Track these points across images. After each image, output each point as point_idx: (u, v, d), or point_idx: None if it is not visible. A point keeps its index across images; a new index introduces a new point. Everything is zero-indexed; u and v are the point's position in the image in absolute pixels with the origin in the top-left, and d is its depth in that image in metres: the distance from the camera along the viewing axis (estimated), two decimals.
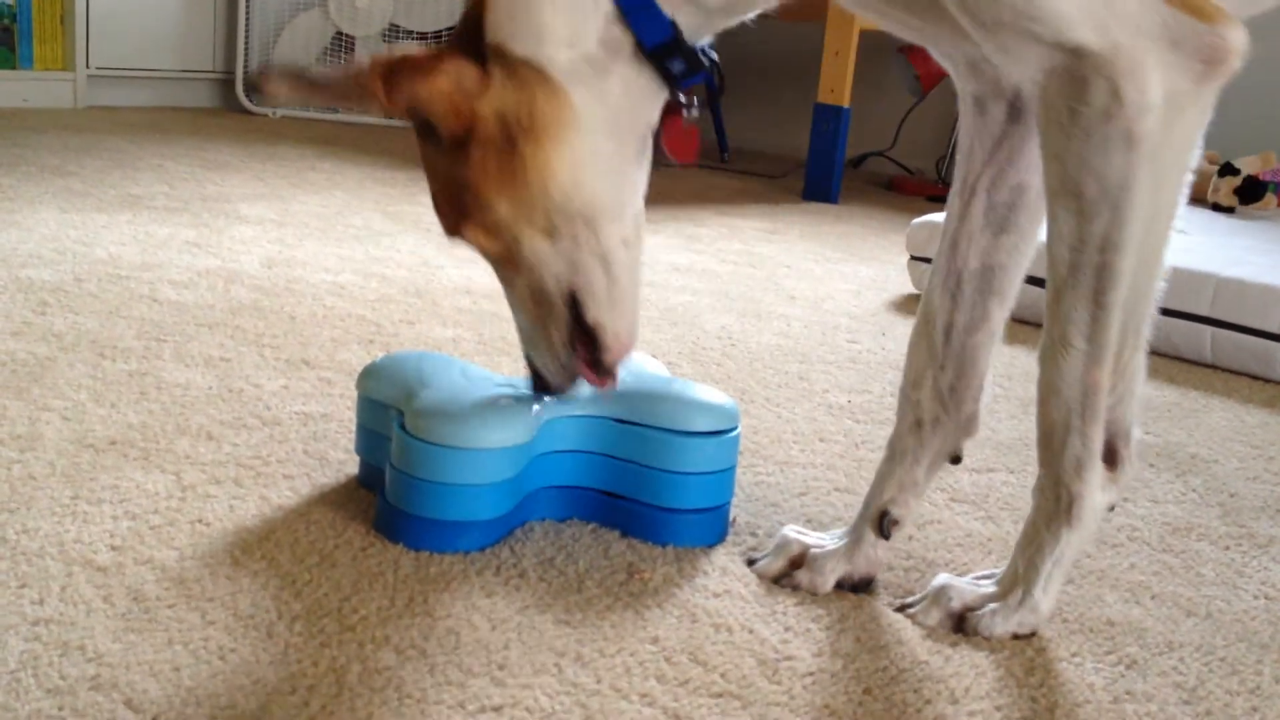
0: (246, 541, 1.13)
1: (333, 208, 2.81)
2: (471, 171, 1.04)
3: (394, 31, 4.49)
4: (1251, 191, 3.02)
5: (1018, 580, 1.10)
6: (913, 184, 4.10)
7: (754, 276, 2.54)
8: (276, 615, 1.00)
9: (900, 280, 2.59)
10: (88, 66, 4.17)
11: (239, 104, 4.45)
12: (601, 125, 1.04)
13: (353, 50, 4.48)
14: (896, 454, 1.17)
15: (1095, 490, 1.06)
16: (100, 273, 2.02)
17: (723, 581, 1.15)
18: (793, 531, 1.20)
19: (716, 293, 2.34)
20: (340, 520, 1.19)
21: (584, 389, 1.21)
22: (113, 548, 1.09)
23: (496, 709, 0.91)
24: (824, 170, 3.68)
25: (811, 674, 1.00)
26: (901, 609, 1.13)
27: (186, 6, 4.39)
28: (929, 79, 3.86)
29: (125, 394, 1.47)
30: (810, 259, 2.79)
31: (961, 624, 1.09)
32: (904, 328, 2.20)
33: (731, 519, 1.27)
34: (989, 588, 1.12)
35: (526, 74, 1.01)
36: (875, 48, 3.85)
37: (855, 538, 1.17)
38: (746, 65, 4.72)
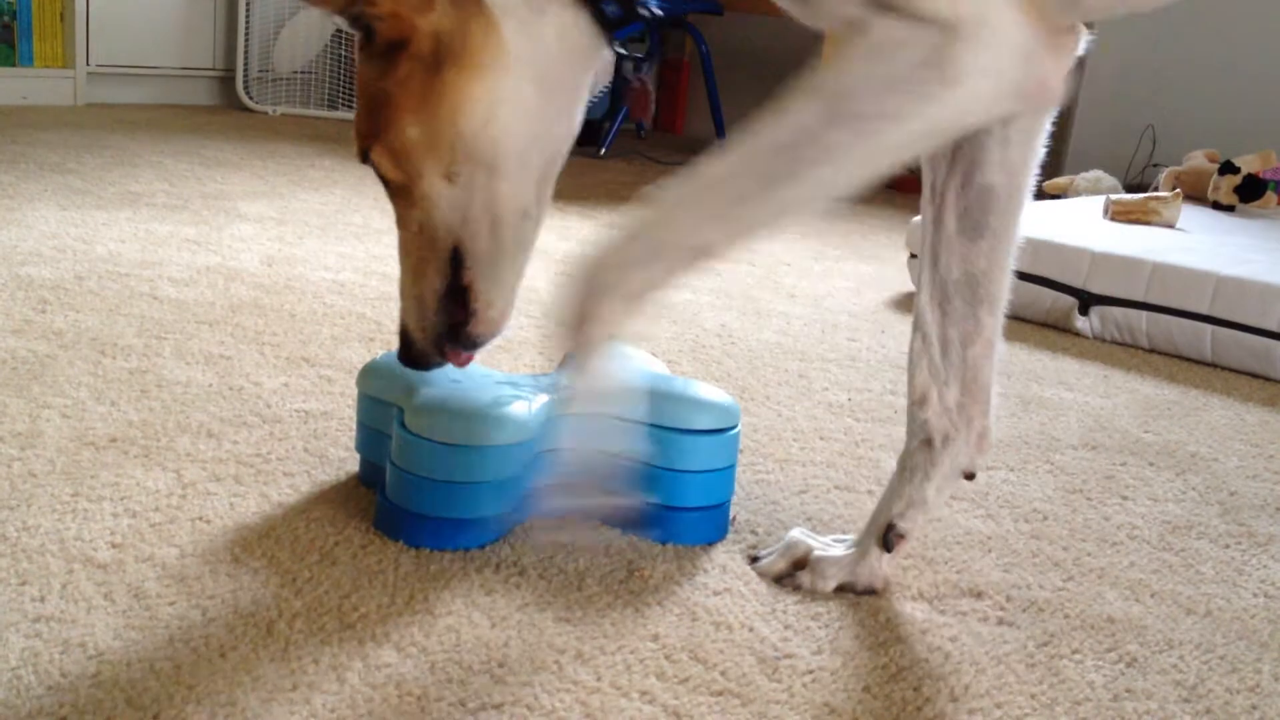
0: (247, 539, 1.13)
1: (332, 205, 2.81)
2: (395, 86, 1.02)
3: None
4: (1252, 190, 3.02)
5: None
6: (913, 182, 4.09)
7: (753, 274, 2.54)
8: (277, 613, 1.00)
9: (900, 278, 2.59)
10: (88, 64, 4.16)
11: (239, 101, 4.45)
12: (528, 68, 1.01)
13: (352, 47, 4.48)
14: (906, 471, 1.15)
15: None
16: (100, 270, 2.02)
17: (723, 579, 1.15)
18: (800, 533, 1.20)
19: (716, 290, 2.34)
20: (340, 518, 1.19)
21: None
22: (113, 545, 1.09)
23: (497, 706, 0.91)
24: None
25: (811, 672, 1.00)
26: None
27: (187, 4, 4.39)
28: None
29: (126, 391, 1.47)
30: (810, 256, 2.79)
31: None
32: (904, 326, 2.20)
33: (731, 517, 1.27)
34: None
35: (467, 1, 1.00)
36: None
37: (861, 549, 1.16)
38: (747, 60, 4.71)
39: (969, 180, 1.10)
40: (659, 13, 1.07)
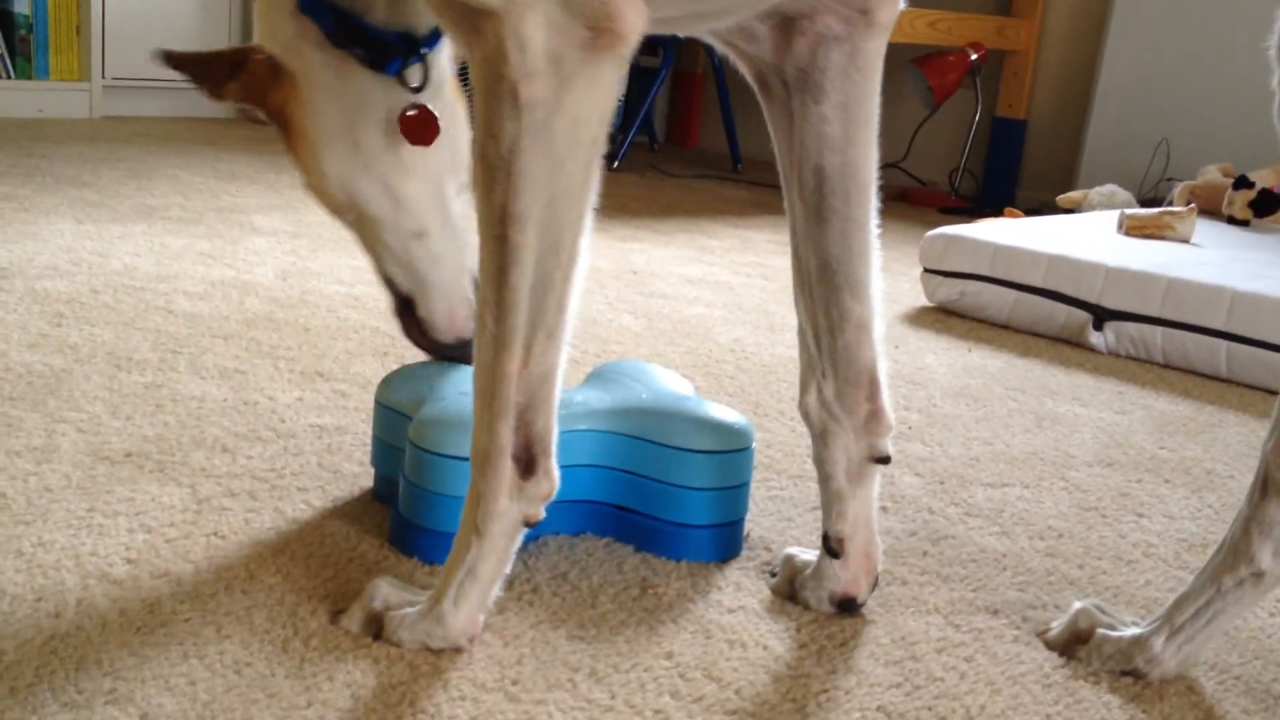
0: (261, 555, 1.13)
1: None
2: (286, 143, 1.17)
3: None
4: (1266, 205, 3.01)
5: (434, 592, 1.02)
6: (926, 196, 4.09)
7: (766, 289, 2.54)
8: (292, 630, 1.01)
9: (914, 292, 2.59)
10: (103, 77, 4.18)
11: (253, 114, 4.47)
12: (331, 107, 1.13)
13: None
14: (818, 472, 1.14)
15: (501, 495, 0.97)
16: (116, 284, 2.02)
17: (737, 597, 1.15)
18: (795, 549, 1.19)
19: (729, 305, 2.34)
20: (355, 533, 1.19)
21: (595, 403, 1.22)
22: (128, 561, 1.10)
23: None
24: None
25: (826, 691, 1.00)
26: (333, 620, 1.03)
27: (201, 18, 4.41)
28: (942, 91, 3.86)
29: (141, 406, 1.48)
30: None
31: (381, 628, 1.01)
32: (917, 340, 2.20)
33: (745, 534, 1.27)
34: (422, 595, 1.04)
35: (279, 68, 1.13)
36: (888, 59, 3.84)
37: (821, 561, 1.14)
38: None
39: (803, 164, 1.08)
40: (419, 51, 1.14)
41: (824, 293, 1.10)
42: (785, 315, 2.31)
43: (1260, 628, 1.18)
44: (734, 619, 1.10)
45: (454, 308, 1.22)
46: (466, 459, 1.12)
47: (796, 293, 1.13)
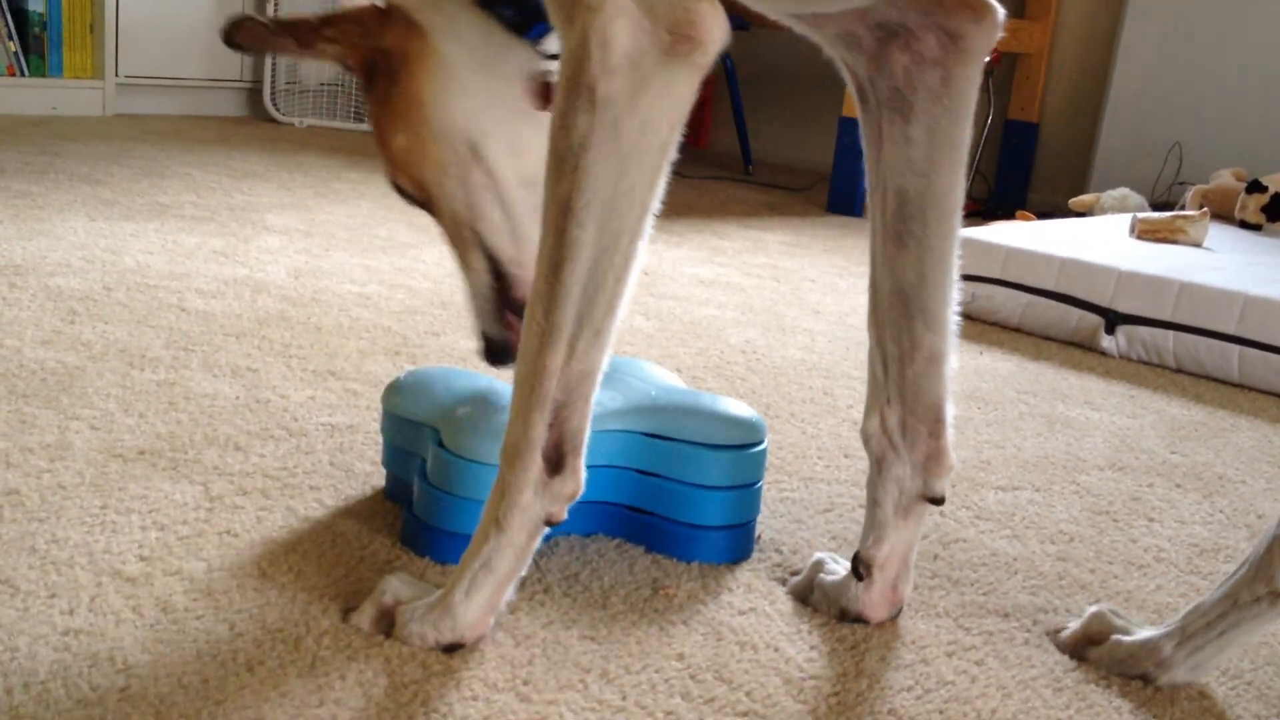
0: (274, 553, 1.13)
1: (359, 218, 2.82)
2: (377, 108, 1.15)
3: None
4: (1279, 209, 3.00)
5: (448, 584, 1.01)
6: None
7: (778, 290, 2.54)
8: (304, 628, 1.01)
9: None
10: (117, 75, 4.19)
11: (266, 113, 4.48)
12: (466, 60, 1.12)
13: None
14: (868, 496, 1.13)
15: (527, 489, 0.97)
16: (129, 281, 2.03)
17: (748, 599, 1.15)
18: (827, 557, 1.19)
19: (740, 306, 2.34)
20: (367, 533, 1.20)
21: (608, 401, 1.22)
22: (141, 558, 1.10)
23: None
24: (848, 183, 3.68)
25: (836, 694, 1.00)
26: (344, 618, 1.03)
27: (215, 16, 4.42)
28: None
29: (154, 404, 1.48)
30: (834, 272, 2.79)
31: (392, 624, 1.01)
32: None
33: (757, 535, 1.27)
34: (436, 593, 1.03)
35: (397, 15, 1.12)
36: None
37: (845, 577, 1.14)
38: (770, 78, 4.72)
39: (886, 184, 1.07)
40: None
41: (896, 319, 1.09)
42: (796, 317, 2.31)
43: (1272, 633, 1.18)
44: (745, 621, 1.10)
45: None
46: (494, 465, 1.12)
47: (869, 315, 1.11)
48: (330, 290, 2.12)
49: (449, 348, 1.86)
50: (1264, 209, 3.02)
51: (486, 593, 1.00)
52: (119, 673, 0.92)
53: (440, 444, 1.16)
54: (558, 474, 0.98)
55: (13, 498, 1.19)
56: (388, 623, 1.02)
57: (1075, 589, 1.24)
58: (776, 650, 1.06)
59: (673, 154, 0.93)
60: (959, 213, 1.07)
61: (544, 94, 1.13)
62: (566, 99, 0.90)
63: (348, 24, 1.13)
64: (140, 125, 4.04)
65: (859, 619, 1.12)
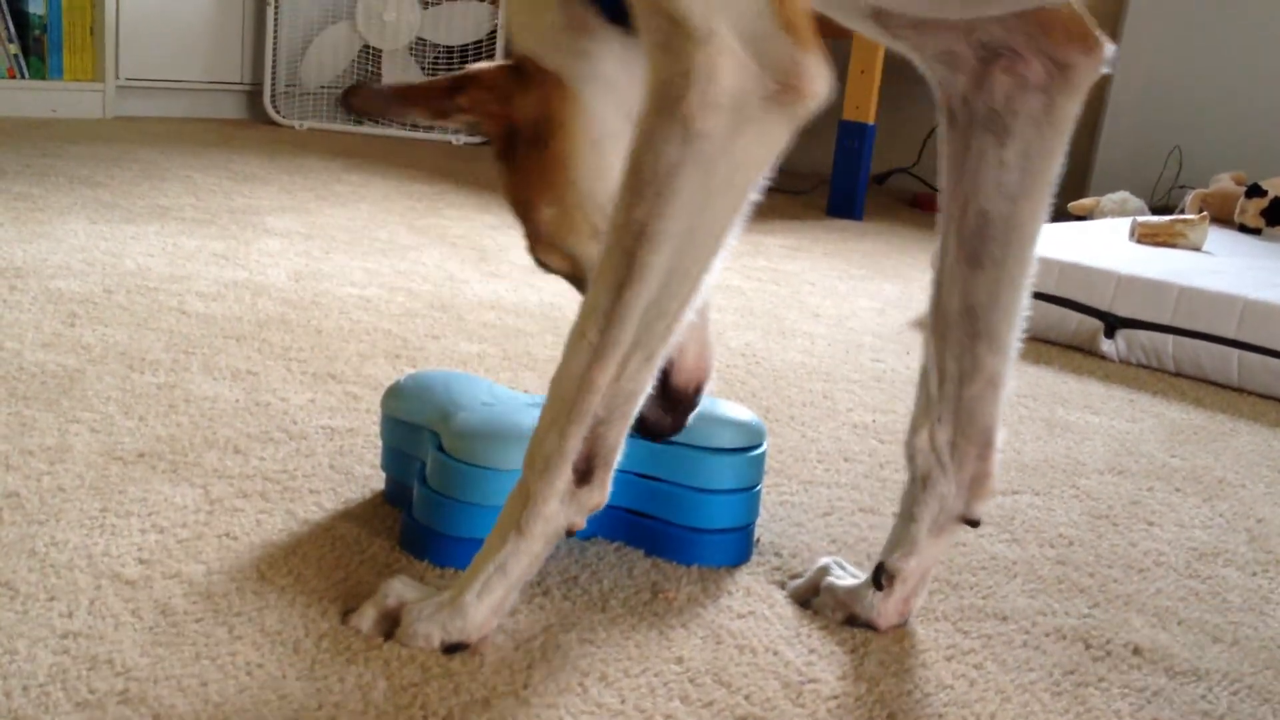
0: (273, 556, 1.14)
1: (359, 221, 2.82)
2: (520, 180, 1.06)
3: (421, 45, 4.51)
4: (1278, 213, 3.01)
5: (458, 584, 1.01)
6: (937, 201, 4.08)
7: (778, 293, 2.54)
8: (303, 631, 1.01)
9: (925, 298, 2.58)
10: (117, 77, 4.20)
11: (266, 116, 4.48)
12: (613, 109, 1.04)
13: (379, 63, 4.50)
14: (903, 508, 1.13)
15: (553, 499, 0.97)
16: (129, 284, 2.03)
17: (747, 602, 1.15)
18: (829, 559, 1.18)
19: (740, 309, 2.35)
20: (366, 536, 1.20)
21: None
22: (141, 561, 1.10)
23: None
24: (848, 187, 3.68)
25: (836, 697, 1.00)
26: (343, 619, 1.03)
27: (215, 18, 4.42)
28: None
29: (154, 406, 1.48)
30: (834, 276, 2.79)
31: (393, 626, 1.01)
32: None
33: (756, 539, 1.27)
34: (440, 594, 1.03)
35: (534, 71, 1.03)
36: (901, 65, 3.85)
37: (862, 584, 1.14)
38: None
39: (968, 204, 1.07)
40: None
41: (960, 339, 1.08)
42: (796, 321, 2.31)
43: (1273, 637, 1.18)
44: (744, 624, 1.10)
45: (705, 347, 1.14)
46: (499, 469, 1.11)
47: (929, 331, 1.10)
48: (330, 293, 2.12)
49: (449, 351, 1.86)
50: (1263, 213, 3.02)
51: (498, 595, 1.00)
52: (118, 675, 0.92)
53: (440, 448, 1.16)
54: (585, 485, 0.98)
55: (12, 500, 1.19)
56: (389, 625, 1.01)
57: (1074, 593, 1.24)
58: (776, 654, 1.06)
59: (755, 195, 0.91)
60: (1038, 240, 1.07)
61: None
62: (657, 123, 0.88)
63: (481, 91, 1.05)
64: (140, 128, 4.04)
65: (867, 625, 1.12)
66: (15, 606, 1.00)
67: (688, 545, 1.20)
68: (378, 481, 1.32)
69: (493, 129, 1.06)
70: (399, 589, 1.04)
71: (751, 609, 1.13)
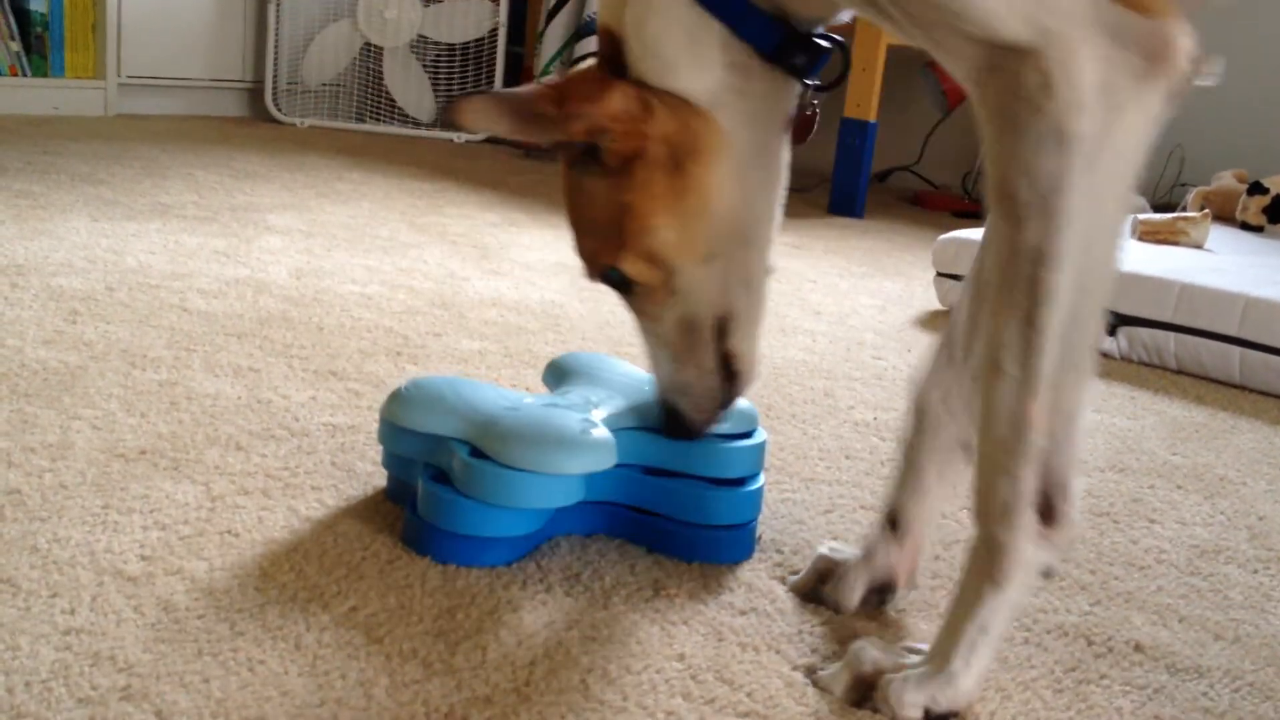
0: (275, 553, 1.14)
1: (360, 218, 2.82)
2: (638, 195, 1.05)
3: (422, 42, 4.51)
4: None
5: (939, 648, 0.98)
6: (938, 199, 4.09)
7: (779, 291, 2.54)
8: (305, 627, 1.01)
9: (926, 296, 2.59)
10: (118, 75, 4.20)
11: (268, 113, 4.48)
12: (749, 141, 1.05)
13: (380, 61, 4.50)
14: (907, 458, 1.14)
15: (1025, 543, 0.94)
16: (130, 281, 2.03)
17: (749, 599, 1.15)
18: (828, 548, 1.19)
19: None
20: (368, 533, 1.20)
21: (609, 402, 1.22)
22: (143, 558, 1.10)
23: None
24: (850, 185, 3.68)
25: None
26: (810, 674, 1.02)
27: (217, 16, 4.42)
28: (955, 94, 3.86)
29: (155, 404, 1.48)
30: (835, 274, 2.79)
31: (870, 692, 0.98)
32: (930, 344, 2.20)
33: (758, 536, 1.27)
34: (912, 658, 1.01)
35: (675, 102, 1.03)
36: (902, 63, 3.85)
37: (874, 537, 1.15)
38: None
39: None
40: (838, 39, 1.08)
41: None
42: (798, 318, 2.31)
43: (1274, 634, 1.18)
44: (746, 621, 1.10)
45: (758, 355, 1.17)
46: (522, 470, 1.11)
47: (971, 295, 1.09)
48: (332, 290, 2.12)
49: (450, 348, 1.86)
50: (1265, 210, 3.02)
51: (985, 656, 0.97)
52: (120, 672, 0.92)
53: (474, 454, 1.15)
54: (1052, 523, 0.96)
55: (14, 497, 1.19)
56: (863, 690, 0.98)
57: (1076, 590, 1.24)
58: (777, 651, 1.06)
59: (1138, 179, 0.91)
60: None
61: (806, 125, 1.10)
62: (1022, 143, 0.87)
63: (614, 118, 1.02)
64: (142, 125, 4.04)
65: (886, 585, 1.14)
66: (17, 603, 1.00)
67: (690, 542, 1.21)
68: (379, 478, 1.32)
69: (624, 147, 1.03)
70: (873, 655, 1.00)
71: (753, 605, 1.13)
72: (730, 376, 1.14)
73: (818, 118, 1.10)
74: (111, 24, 4.14)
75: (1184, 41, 0.87)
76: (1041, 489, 0.95)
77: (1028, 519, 0.94)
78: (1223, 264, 2.39)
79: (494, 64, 4.52)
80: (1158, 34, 0.86)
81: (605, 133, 1.03)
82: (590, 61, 1.11)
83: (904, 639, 1.10)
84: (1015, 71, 0.86)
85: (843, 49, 1.08)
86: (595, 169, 1.06)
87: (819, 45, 1.05)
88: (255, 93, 4.59)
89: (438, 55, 4.56)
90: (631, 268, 1.08)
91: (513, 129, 1.03)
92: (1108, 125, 0.86)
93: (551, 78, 1.05)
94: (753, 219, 1.08)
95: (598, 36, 1.09)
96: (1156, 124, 0.89)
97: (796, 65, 1.04)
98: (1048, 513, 0.96)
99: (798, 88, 1.08)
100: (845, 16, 1.07)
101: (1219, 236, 2.74)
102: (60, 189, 2.78)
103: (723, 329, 1.12)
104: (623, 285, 1.11)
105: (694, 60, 1.02)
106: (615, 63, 1.05)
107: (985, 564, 0.96)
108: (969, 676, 0.96)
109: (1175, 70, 0.87)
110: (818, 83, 1.08)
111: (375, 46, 4.51)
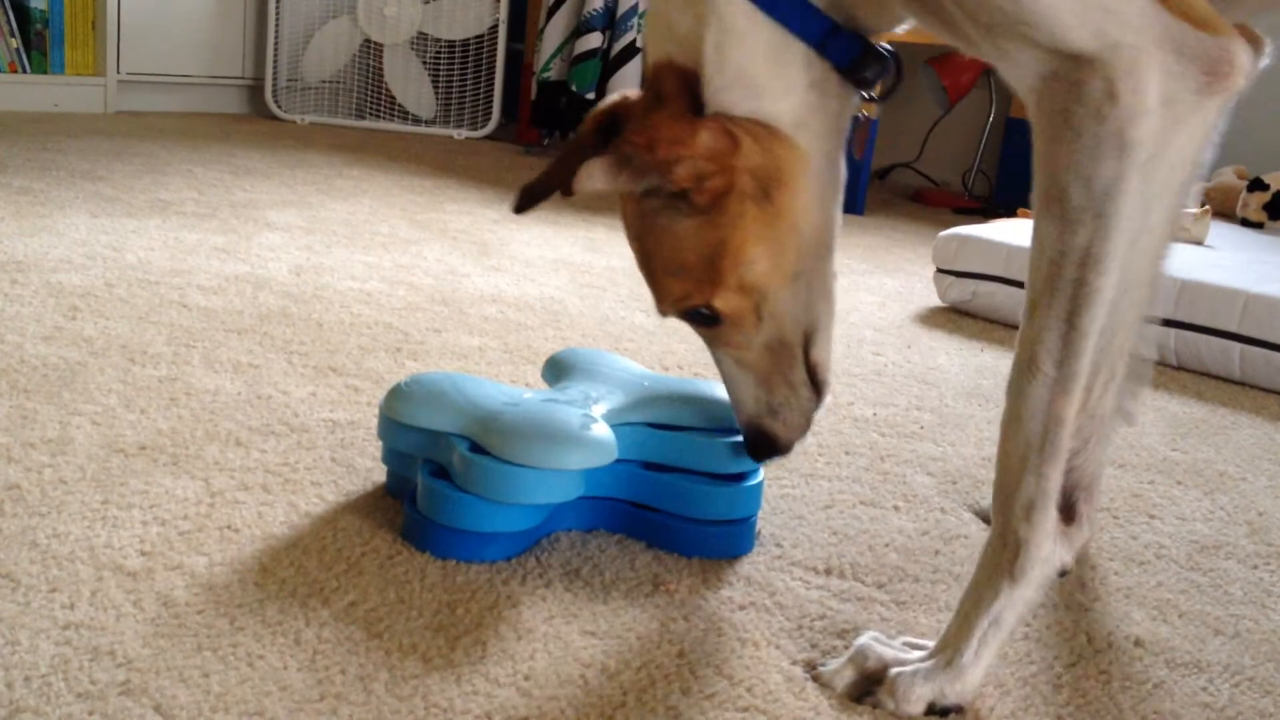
0: (274, 548, 1.14)
1: (360, 215, 2.82)
2: (731, 231, 1.04)
3: (422, 39, 4.50)
4: None
5: (949, 641, 0.99)
6: (939, 196, 4.09)
7: None
8: (304, 622, 1.01)
9: (926, 293, 2.59)
10: (118, 71, 4.19)
11: (268, 110, 4.48)
12: (824, 156, 1.06)
13: (380, 58, 4.49)
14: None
15: (1046, 540, 0.95)
16: (130, 278, 2.03)
17: (748, 594, 1.15)
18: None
19: None
20: (368, 528, 1.20)
21: (610, 397, 1.22)
22: (142, 553, 1.10)
23: None
24: (850, 181, 3.67)
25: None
26: (810, 669, 1.02)
27: (216, 13, 4.42)
28: (956, 91, 3.86)
29: (155, 399, 1.48)
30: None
31: (876, 687, 0.98)
32: (929, 340, 2.20)
33: (757, 531, 1.27)
34: (916, 653, 1.01)
35: (758, 130, 1.02)
36: (903, 60, 3.84)
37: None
38: None
39: None
40: (893, 49, 1.09)
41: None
42: None
43: (1274, 629, 1.18)
44: (746, 616, 1.10)
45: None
46: (522, 466, 1.10)
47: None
48: (331, 287, 2.12)
49: (450, 344, 1.86)
50: (1265, 207, 3.02)
51: (994, 650, 0.98)
52: (119, 666, 0.92)
53: (474, 449, 1.15)
54: (1072, 522, 0.97)
55: (14, 492, 1.19)
56: (867, 685, 0.98)
57: (1075, 586, 1.24)
58: (777, 647, 1.06)
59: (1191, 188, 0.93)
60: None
61: (861, 135, 1.12)
62: (1080, 148, 0.89)
63: (708, 158, 1.01)
64: (142, 122, 4.04)
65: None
66: (17, 598, 1.00)
67: (689, 537, 1.21)
68: (379, 474, 1.32)
69: (718, 185, 1.02)
70: (878, 650, 1.00)
71: (753, 600, 1.13)
72: (816, 387, 1.13)
73: (872, 126, 1.11)
74: (111, 20, 4.14)
75: (1243, 59, 0.90)
76: (1066, 488, 0.96)
77: (1050, 517, 0.95)
78: (1223, 260, 2.39)
79: (494, 61, 4.52)
80: (1219, 50, 0.89)
81: (708, 176, 1.01)
82: (628, 92, 1.10)
83: (903, 635, 1.10)
84: (1079, 80, 0.88)
85: (896, 59, 1.08)
86: (683, 209, 1.04)
87: (884, 56, 1.06)
88: (255, 89, 4.59)
89: (438, 52, 4.56)
90: (725, 303, 1.07)
91: (629, 183, 1.02)
92: (1166, 136, 0.89)
93: (634, 128, 1.02)
94: (829, 232, 1.09)
95: (652, 73, 1.06)
96: (1210, 135, 0.92)
97: (868, 78, 1.05)
98: (1068, 512, 0.97)
99: (858, 98, 1.08)
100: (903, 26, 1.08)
101: (1219, 233, 2.73)
102: (60, 185, 2.78)
103: (808, 342, 1.11)
104: (709, 320, 1.09)
105: (780, 83, 1.02)
106: (683, 97, 1.03)
107: (1003, 558, 0.96)
108: (976, 671, 0.97)
109: (1234, 86, 0.90)
110: (874, 94, 1.09)
111: (375, 43, 4.50)
